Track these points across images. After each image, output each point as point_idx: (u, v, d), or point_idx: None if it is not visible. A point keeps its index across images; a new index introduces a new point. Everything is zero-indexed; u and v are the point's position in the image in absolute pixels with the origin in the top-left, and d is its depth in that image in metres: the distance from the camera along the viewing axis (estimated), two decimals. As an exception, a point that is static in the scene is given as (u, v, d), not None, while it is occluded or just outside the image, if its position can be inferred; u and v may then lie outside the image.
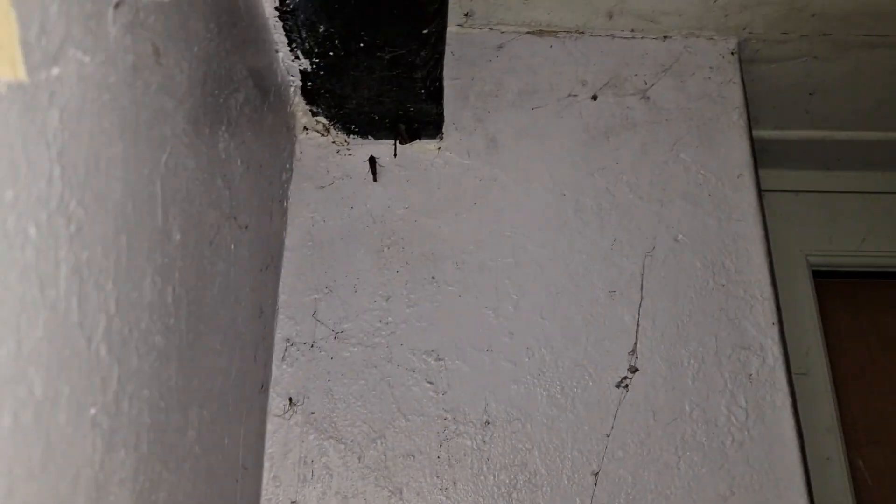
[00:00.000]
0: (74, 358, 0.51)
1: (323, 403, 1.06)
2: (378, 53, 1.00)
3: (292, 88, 1.10)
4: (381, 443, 1.04)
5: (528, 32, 1.29)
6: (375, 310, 1.11)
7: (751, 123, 1.27)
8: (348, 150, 1.21)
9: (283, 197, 1.14)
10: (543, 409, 1.07)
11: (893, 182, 1.69)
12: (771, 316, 1.13)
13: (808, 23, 1.27)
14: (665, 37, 1.30)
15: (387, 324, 1.11)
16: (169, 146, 0.66)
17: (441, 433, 1.05)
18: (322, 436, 1.04)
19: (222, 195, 0.82)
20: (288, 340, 1.09)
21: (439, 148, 1.22)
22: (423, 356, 1.09)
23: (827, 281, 1.64)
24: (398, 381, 1.07)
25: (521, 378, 1.08)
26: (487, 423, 1.06)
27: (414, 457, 1.04)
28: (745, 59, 1.33)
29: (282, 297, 1.11)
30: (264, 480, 1.01)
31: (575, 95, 1.26)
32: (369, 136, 1.21)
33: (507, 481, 1.03)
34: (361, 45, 0.98)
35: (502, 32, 1.29)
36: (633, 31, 1.30)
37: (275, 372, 1.07)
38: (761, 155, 1.32)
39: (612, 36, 1.30)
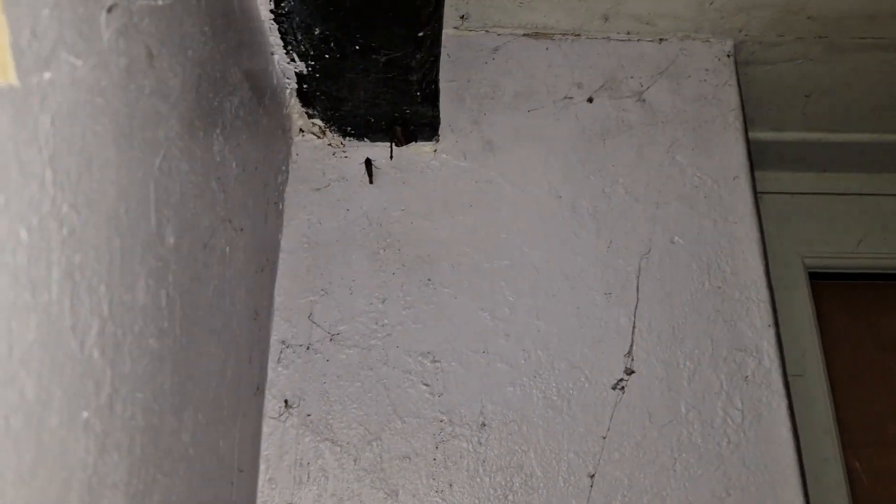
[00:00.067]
0: (67, 361, 0.51)
1: (319, 405, 1.06)
2: (374, 56, 1.00)
3: (288, 91, 1.10)
4: (377, 445, 1.04)
5: (524, 35, 1.30)
6: (371, 312, 1.11)
7: (747, 125, 1.27)
8: (344, 152, 1.21)
9: (279, 199, 1.14)
10: (539, 410, 1.07)
11: (889, 184, 1.69)
12: (767, 318, 1.13)
13: (803, 25, 1.27)
14: (661, 39, 1.31)
15: (383, 326, 1.11)
16: (163, 149, 0.66)
17: (437, 435, 1.05)
18: (318, 438, 1.04)
19: (217, 198, 0.82)
20: (283, 342, 1.09)
21: (435, 150, 1.22)
22: (419, 358, 1.09)
23: (823, 283, 1.64)
24: (394, 383, 1.07)
25: (517, 380, 1.08)
26: (483, 424, 1.06)
27: (410, 459, 1.04)
28: (741, 62, 1.34)
29: (277, 300, 1.11)
30: (260, 483, 1.01)
31: (571, 98, 1.26)
32: (365, 139, 1.21)
33: (504, 483, 1.03)
34: (357, 47, 0.99)
35: (498, 35, 1.30)
36: (628, 33, 1.30)
37: (270, 374, 1.07)
38: (757, 157, 1.32)
39: (608, 38, 1.30)
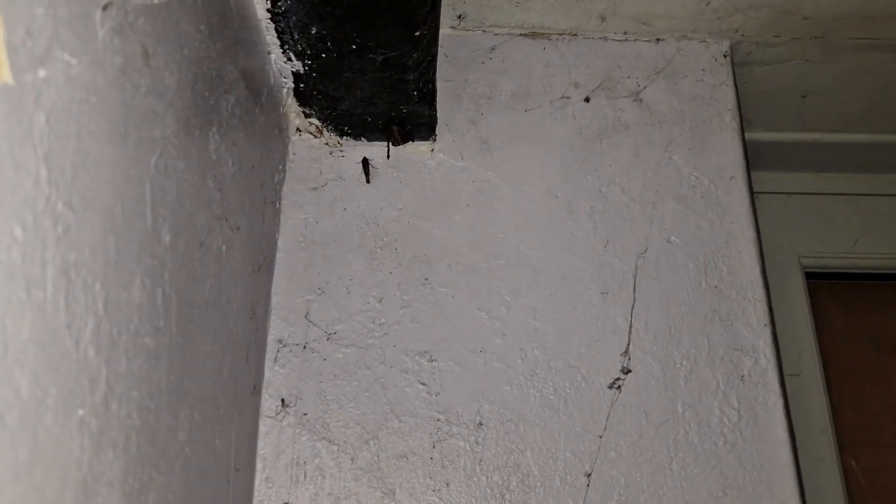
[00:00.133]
0: (62, 359, 0.51)
1: (315, 405, 1.06)
2: (370, 55, 1.00)
3: (285, 90, 1.10)
4: (374, 444, 1.04)
5: (520, 34, 1.30)
6: (368, 311, 1.11)
7: (743, 126, 1.27)
8: (341, 151, 1.21)
9: (276, 198, 1.14)
10: (536, 410, 1.07)
11: (886, 184, 1.69)
12: (763, 317, 1.13)
13: (799, 26, 1.28)
14: (658, 39, 1.31)
15: (380, 325, 1.11)
16: (159, 148, 0.66)
17: (434, 434, 1.05)
18: (315, 437, 1.04)
19: (213, 196, 0.82)
20: (280, 342, 1.09)
21: (432, 150, 1.22)
22: (416, 357, 1.09)
23: (819, 282, 1.64)
24: (391, 383, 1.07)
25: (514, 379, 1.08)
26: (480, 424, 1.06)
27: (407, 458, 1.04)
28: (738, 62, 1.34)
29: (274, 299, 1.11)
30: (256, 482, 1.01)
31: (568, 97, 1.26)
32: (362, 138, 1.21)
33: (500, 482, 1.03)
34: (353, 46, 0.99)
35: (495, 34, 1.30)
36: (625, 33, 1.30)
37: (267, 373, 1.07)
38: (754, 157, 1.32)
39: (605, 38, 1.30)
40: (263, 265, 1.06)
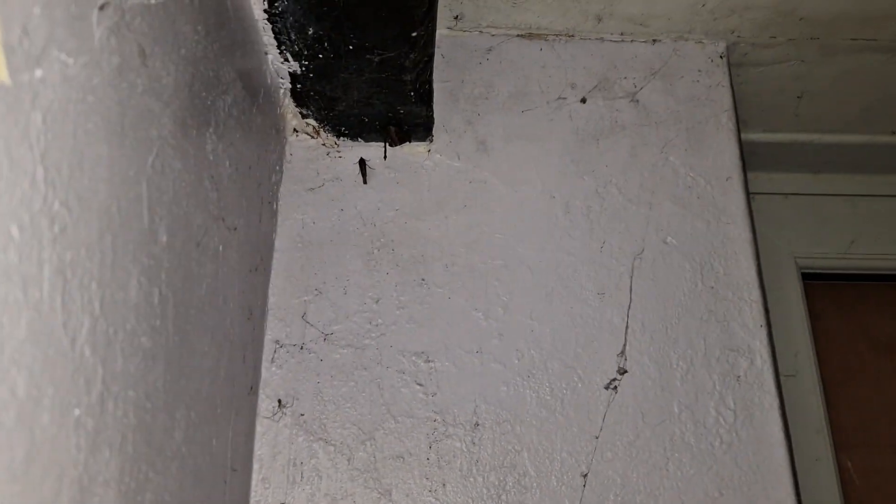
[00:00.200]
0: (58, 359, 0.51)
1: (312, 405, 1.06)
2: (367, 56, 1.01)
3: (282, 90, 1.10)
4: (371, 444, 1.04)
5: (517, 35, 1.30)
6: (365, 311, 1.11)
7: (739, 126, 1.27)
8: (338, 152, 1.21)
9: (273, 199, 1.14)
10: (533, 410, 1.07)
11: (881, 185, 1.70)
12: (759, 318, 1.13)
13: (795, 27, 1.28)
14: (654, 40, 1.31)
15: (376, 325, 1.11)
16: (155, 148, 0.66)
17: (430, 435, 1.05)
18: (311, 437, 1.04)
19: (210, 197, 0.82)
20: (277, 342, 1.09)
21: (429, 150, 1.22)
22: (413, 358, 1.09)
23: (816, 283, 1.65)
24: (388, 383, 1.07)
25: (511, 380, 1.08)
26: (477, 424, 1.06)
27: (403, 458, 1.04)
28: (734, 63, 1.34)
29: (271, 299, 1.11)
30: (253, 482, 1.01)
31: (564, 98, 1.26)
32: (359, 139, 1.21)
33: (497, 483, 1.03)
34: (350, 47, 0.99)
35: (492, 35, 1.30)
36: (622, 34, 1.30)
37: (264, 374, 1.07)
38: (750, 158, 1.33)
39: (602, 39, 1.31)
40: (260, 265, 1.06)
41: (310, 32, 0.97)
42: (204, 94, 0.79)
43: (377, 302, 1.12)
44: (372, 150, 1.21)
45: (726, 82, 1.29)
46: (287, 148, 1.20)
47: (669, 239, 1.17)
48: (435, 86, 1.12)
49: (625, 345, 1.11)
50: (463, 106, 1.25)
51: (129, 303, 0.61)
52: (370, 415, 1.06)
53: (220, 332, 0.87)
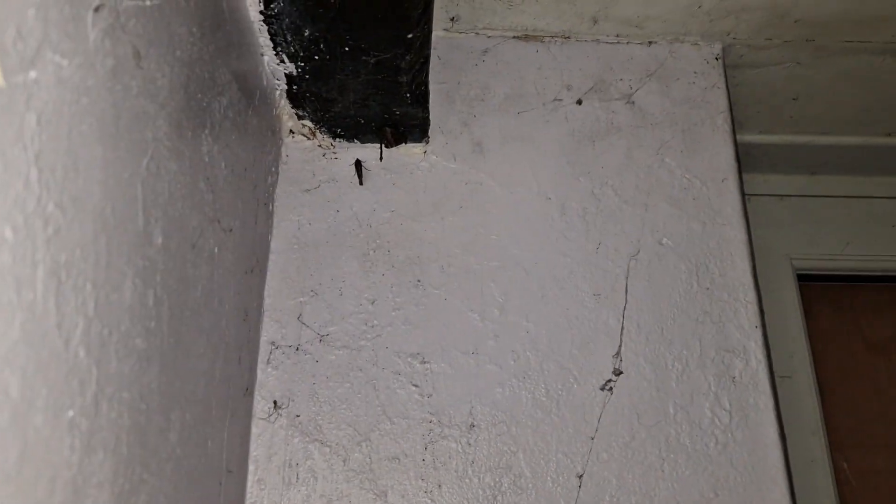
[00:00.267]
0: (52, 360, 0.51)
1: (308, 406, 1.06)
2: (363, 57, 1.01)
3: (278, 92, 1.10)
4: (366, 446, 1.04)
5: (513, 37, 1.30)
6: (361, 313, 1.11)
7: (735, 128, 1.28)
8: (334, 153, 1.21)
9: (269, 200, 1.14)
10: (528, 411, 1.07)
11: (877, 186, 1.70)
12: (754, 319, 1.14)
13: (791, 29, 1.28)
14: (650, 42, 1.31)
15: (372, 327, 1.11)
16: (150, 149, 0.66)
17: (426, 436, 1.05)
18: (307, 439, 1.04)
19: (205, 198, 0.82)
20: (273, 343, 1.09)
21: (425, 152, 1.22)
22: (409, 359, 1.09)
23: (811, 284, 1.65)
24: (383, 384, 1.07)
25: (507, 381, 1.08)
26: (472, 425, 1.06)
27: (399, 460, 1.04)
28: (730, 65, 1.35)
29: (267, 301, 1.11)
30: (249, 483, 1.01)
31: (560, 100, 1.27)
32: (355, 140, 1.21)
33: (492, 484, 1.03)
34: (346, 48, 0.99)
35: (488, 37, 1.30)
36: (618, 36, 1.31)
37: (260, 375, 1.07)
38: (745, 159, 1.33)
39: (598, 41, 1.31)
40: (256, 267, 1.06)
41: (306, 34, 0.97)
42: (199, 95, 0.79)
43: (373, 303, 1.12)
44: (368, 152, 1.21)
45: (722, 84, 1.29)
46: (283, 149, 1.20)
47: (665, 240, 1.18)
48: (431, 87, 1.13)
49: (620, 346, 1.11)
50: (459, 107, 1.25)
51: (123, 304, 0.61)
52: (366, 416, 1.06)
53: (216, 334, 0.87)
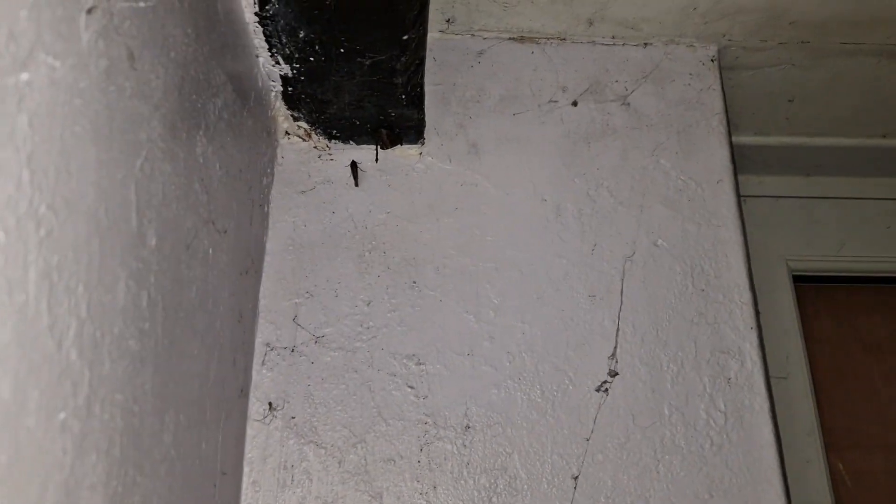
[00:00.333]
0: (44, 362, 0.51)
1: (303, 408, 1.06)
2: (358, 59, 1.01)
3: (273, 93, 1.10)
4: (362, 447, 1.04)
5: (509, 39, 1.30)
6: (356, 314, 1.11)
7: (730, 129, 1.28)
8: (330, 155, 1.21)
9: (264, 201, 1.14)
10: (524, 413, 1.07)
11: (872, 188, 1.71)
12: (750, 320, 1.14)
13: (786, 30, 1.29)
14: (645, 44, 1.32)
15: (367, 328, 1.11)
16: (144, 151, 0.66)
17: (421, 437, 1.05)
18: (302, 440, 1.04)
19: (200, 199, 0.82)
20: (268, 345, 1.09)
21: (421, 153, 1.22)
22: (404, 360, 1.09)
23: (807, 286, 1.66)
24: (379, 386, 1.07)
25: (502, 382, 1.08)
26: (468, 427, 1.06)
27: (394, 461, 1.04)
28: (725, 66, 1.35)
29: (262, 302, 1.11)
30: (243, 486, 1.01)
31: (556, 101, 1.27)
32: (351, 141, 1.21)
33: (488, 485, 1.03)
34: (342, 50, 0.99)
35: (484, 39, 1.30)
36: (613, 37, 1.31)
37: (255, 376, 1.07)
38: (741, 161, 1.33)
39: (593, 43, 1.31)
40: (251, 268, 1.06)
41: (301, 35, 0.97)
42: (194, 96, 0.79)
43: (368, 304, 1.12)
44: (363, 153, 1.21)
45: (717, 86, 1.30)
46: (278, 151, 1.20)
47: (660, 241, 1.18)
48: (426, 89, 1.13)
49: (615, 347, 1.11)
50: (454, 109, 1.26)
51: (116, 306, 0.61)
52: (361, 417, 1.06)
53: (210, 335, 0.87)
